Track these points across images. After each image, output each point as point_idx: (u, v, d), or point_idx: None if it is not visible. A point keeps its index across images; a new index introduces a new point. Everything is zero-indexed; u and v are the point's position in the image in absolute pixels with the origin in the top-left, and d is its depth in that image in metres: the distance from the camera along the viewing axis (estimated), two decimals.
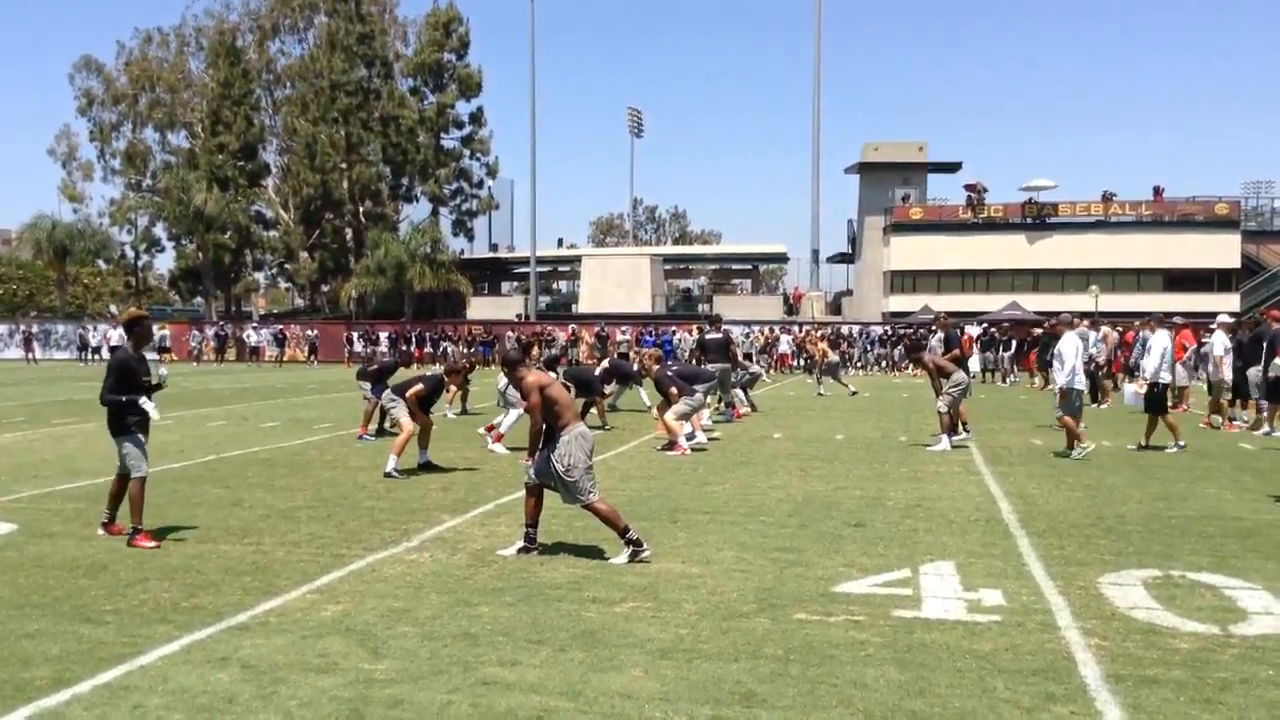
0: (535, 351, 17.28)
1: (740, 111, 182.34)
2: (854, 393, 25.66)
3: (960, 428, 14.91)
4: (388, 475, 11.48)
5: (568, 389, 12.00)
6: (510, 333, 44.64)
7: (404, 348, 44.45)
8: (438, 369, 20.74)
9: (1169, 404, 14.47)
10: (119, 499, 8.17)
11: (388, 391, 12.97)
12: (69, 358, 49.13)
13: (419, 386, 12.42)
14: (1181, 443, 13.79)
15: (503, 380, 13.13)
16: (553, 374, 19.66)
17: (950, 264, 53.16)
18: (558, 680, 4.89)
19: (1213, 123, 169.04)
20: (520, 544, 7.57)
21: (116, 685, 4.83)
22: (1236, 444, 14.66)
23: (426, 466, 12.19)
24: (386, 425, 15.53)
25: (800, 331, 41.99)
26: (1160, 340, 14.19)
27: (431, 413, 12.69)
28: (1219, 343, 17.35)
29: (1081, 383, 13.60)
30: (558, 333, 44.07)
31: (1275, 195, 55.44)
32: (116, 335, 48.16)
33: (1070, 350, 13.34)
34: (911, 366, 38.10)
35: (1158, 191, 52.98)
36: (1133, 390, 14.20)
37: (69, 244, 59.67)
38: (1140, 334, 19.27)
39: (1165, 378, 14.20)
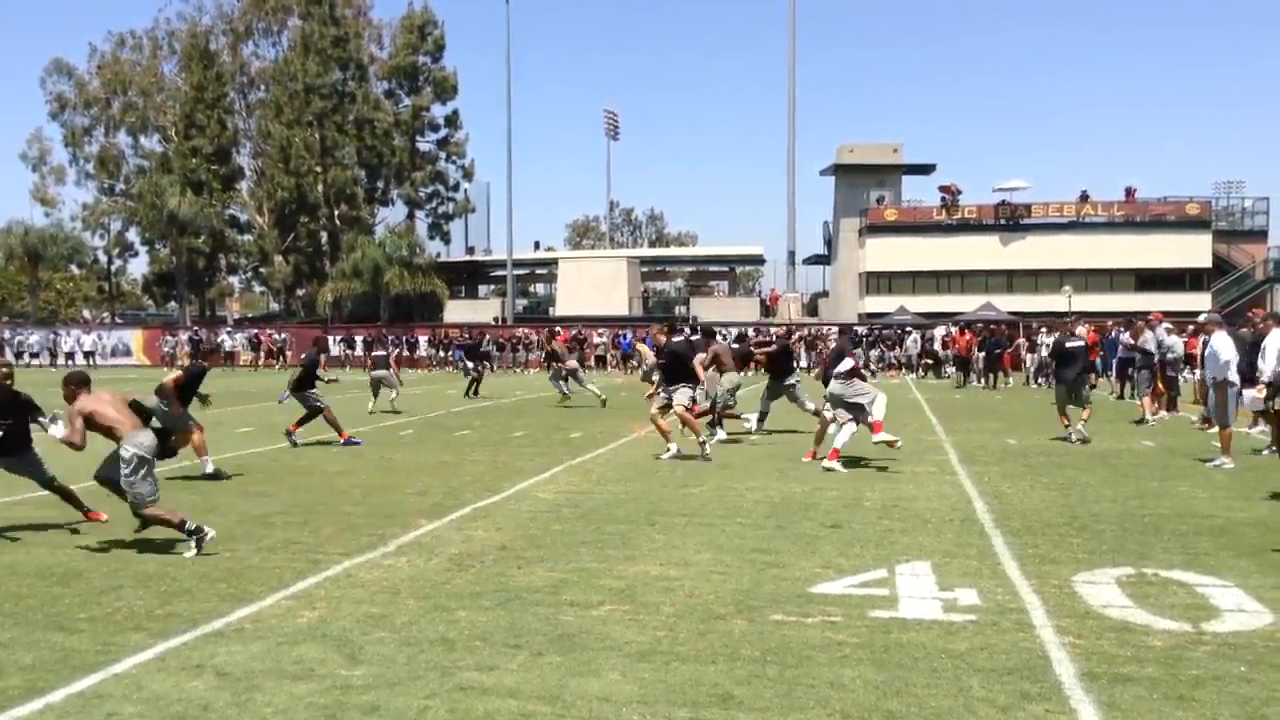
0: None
1: (716, 114, 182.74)
2: None
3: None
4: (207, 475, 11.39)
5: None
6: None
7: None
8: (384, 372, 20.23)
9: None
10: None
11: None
12: (42, 364, 48.58)
13: (177, 374, 11.48)
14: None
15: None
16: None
17: (925, 265, 53.51)
18: (535, 684, 4.88)
19: (1183, 123, 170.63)
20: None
21: (90, 694, 4.79)
22: (1208, 443, 14.79)
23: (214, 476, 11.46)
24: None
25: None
26: (1275, 341, 14.11)
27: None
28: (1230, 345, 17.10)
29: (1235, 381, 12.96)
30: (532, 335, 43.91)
31: (1245, 195, 55.60)
32: (90, 340, 47.86)
33: (1225, 350, 12.86)
34: (903, 369, 38.26)
35: (1130, 192, 53.49)
36: (1252, 394, 14.13)
37: (41, 249, 59.11)
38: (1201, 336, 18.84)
39: None
